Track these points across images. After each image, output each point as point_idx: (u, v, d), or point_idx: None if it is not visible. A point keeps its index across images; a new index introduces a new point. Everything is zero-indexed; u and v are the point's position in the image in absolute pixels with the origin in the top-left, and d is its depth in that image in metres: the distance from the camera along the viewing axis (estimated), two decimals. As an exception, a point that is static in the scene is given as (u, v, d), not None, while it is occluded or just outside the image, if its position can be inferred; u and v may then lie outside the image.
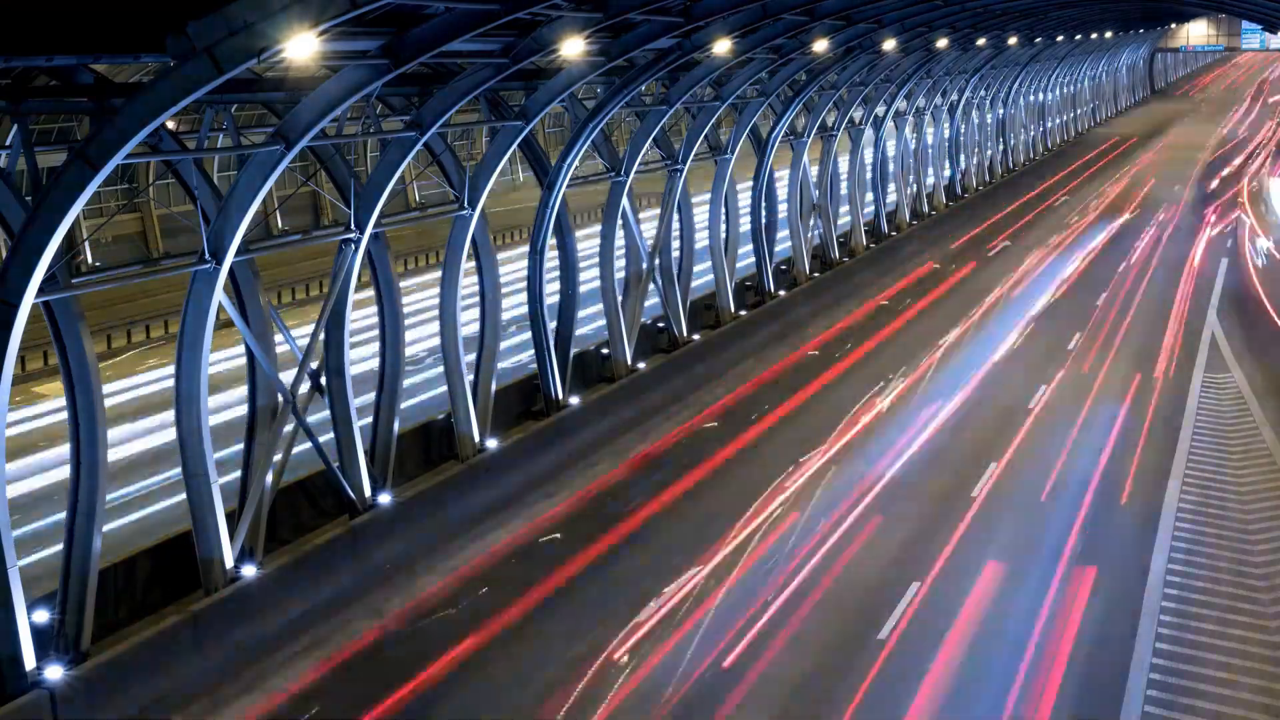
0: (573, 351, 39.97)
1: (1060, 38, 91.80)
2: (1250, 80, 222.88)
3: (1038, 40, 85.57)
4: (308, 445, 29.70)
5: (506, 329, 38.63)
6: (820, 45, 45.52)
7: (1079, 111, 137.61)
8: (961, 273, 66.63)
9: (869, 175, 70.72)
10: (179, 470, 26.13)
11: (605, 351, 42.84)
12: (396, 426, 32.00)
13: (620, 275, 43.20)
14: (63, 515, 24.00)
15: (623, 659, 25.55)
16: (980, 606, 27.52)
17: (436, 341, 34.55)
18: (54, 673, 22.68)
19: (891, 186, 74.94)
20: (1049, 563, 29.58)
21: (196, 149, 28.24)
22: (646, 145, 43.01)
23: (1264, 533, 30.54)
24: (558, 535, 31.91)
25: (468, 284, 34.79)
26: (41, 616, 23.46)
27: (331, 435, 30.36)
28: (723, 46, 37.60)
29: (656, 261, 44.59)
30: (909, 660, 25.24)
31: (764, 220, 54.43)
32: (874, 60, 58.40)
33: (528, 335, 38.51)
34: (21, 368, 45.12)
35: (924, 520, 32.40)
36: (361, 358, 39.53)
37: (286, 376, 28.84)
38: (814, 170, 61.55)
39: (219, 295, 25.66)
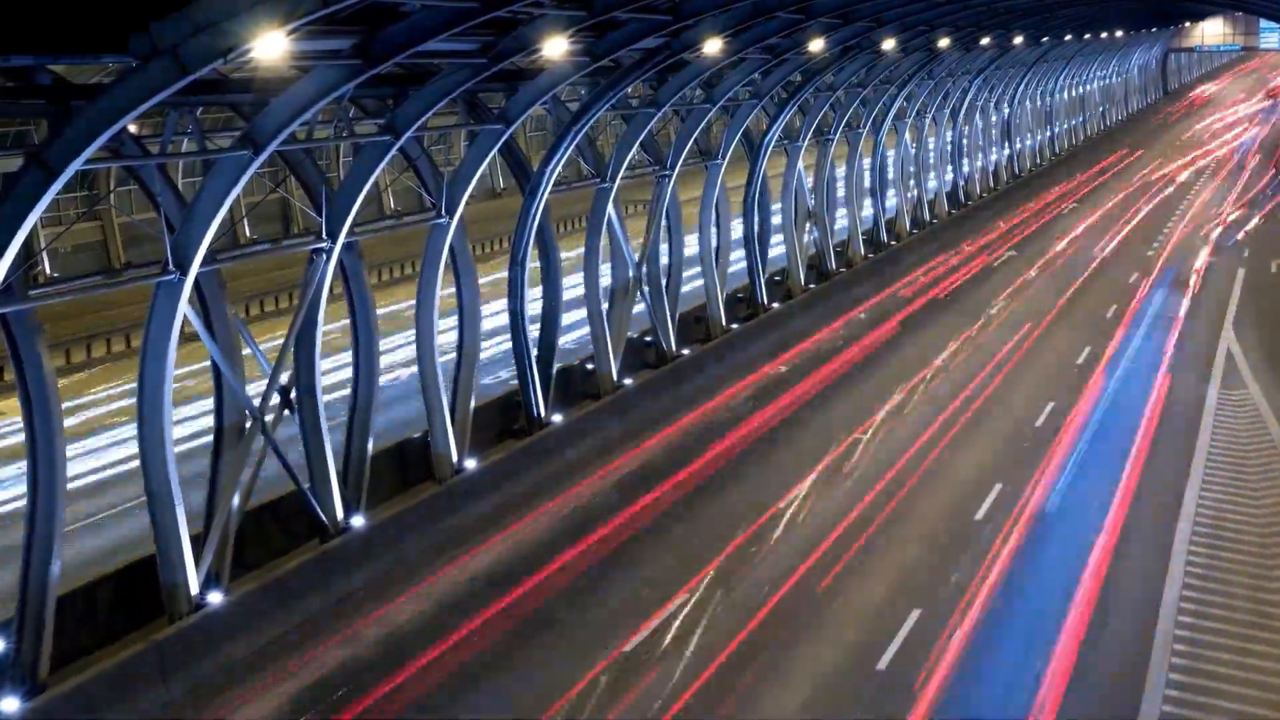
0: (556, 366, 40.06)
1: (1068, 37, 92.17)
2: None
3: (1044, 40, 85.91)
4: (277, 465, 29.73)
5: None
6: (816, 45, 45.68)
7: (1088, 115, 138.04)
8: (963, 282, 66.81)
9: (867, 181, 70.94)
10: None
11: (590, 366, 42.94)
12: (370, 446, 32.07)
13: (606, 286, 43.33)
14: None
15: (605, 683, 25.64)
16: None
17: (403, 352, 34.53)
18: (9, 704, 22.69)
19: (891, 193, 75.13)
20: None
21: (160, 154, 28.29)
22: (633, 150, 43.15)
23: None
24: (539, 560, 31.92)
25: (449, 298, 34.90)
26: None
27: (302, 455, 30.42)
28: (713, 46, 37.74)
29: (644, 272, 44.71)
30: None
31: (757, 229, 54.58)
32: (873, 61, 58.63)
33: (508, 348, 38.67)
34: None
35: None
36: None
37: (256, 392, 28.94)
38: (809, 176, 61.69)
39: (183, 307, 25.71)
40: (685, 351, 47.12)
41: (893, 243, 72.55)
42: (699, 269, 50.44)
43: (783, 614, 28.70)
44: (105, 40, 21.93)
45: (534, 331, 39.37)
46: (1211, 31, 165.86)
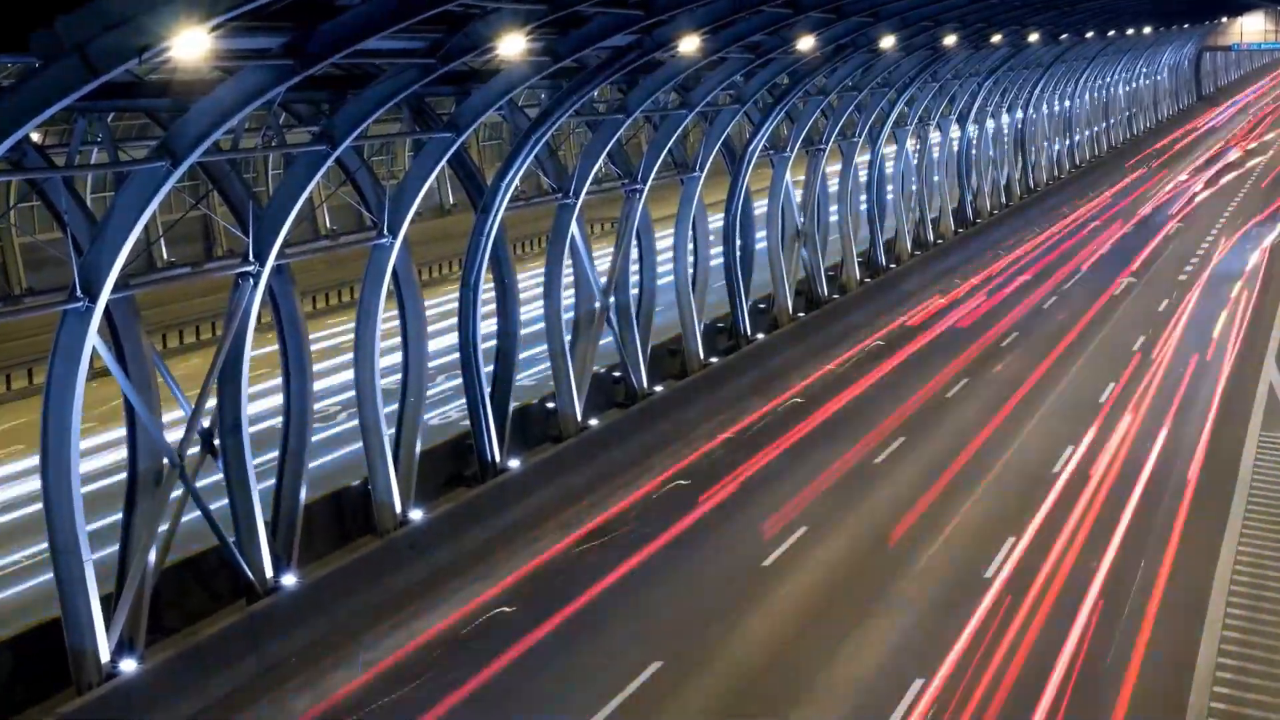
0: (513, 405, 40.13)
1: (1090, 34, 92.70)
2: None
3: (1063, 38, 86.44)
4: (198, 516, 29.76)
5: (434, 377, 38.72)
6: (806, 43, 45.96)
7: (1112, 121, 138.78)
8: (971, 315, 67.20)
9: (863, 197, 71.17)
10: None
11: (551, 405, 43.01)
12: (304, 494, 32.11)
13: (569, 315, 43.44)
14: None
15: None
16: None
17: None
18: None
19: (890, 210, 75.38)
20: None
21: (66, 166, 28.43)
22: (600, 161, 43.32)
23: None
24: (491, 625, 31.97)
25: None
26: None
27: (227, 504, 30.45)
28: (690, 44, 37.99)
29: (611, 299, 44.80)
30: None
31: (739, 250, 54.76)
32: (870, 61, 59.01)
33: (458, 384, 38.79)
34: None
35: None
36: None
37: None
38: (798, 191, 61.93)
39: (93, 338, 25.76)
40: (658, 388, 47.19)
41: (892, 266, 72.75)
42: (673, 295, 50.58)
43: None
44: (2, 37, 22.01)
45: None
46: (1251, 28, 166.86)
